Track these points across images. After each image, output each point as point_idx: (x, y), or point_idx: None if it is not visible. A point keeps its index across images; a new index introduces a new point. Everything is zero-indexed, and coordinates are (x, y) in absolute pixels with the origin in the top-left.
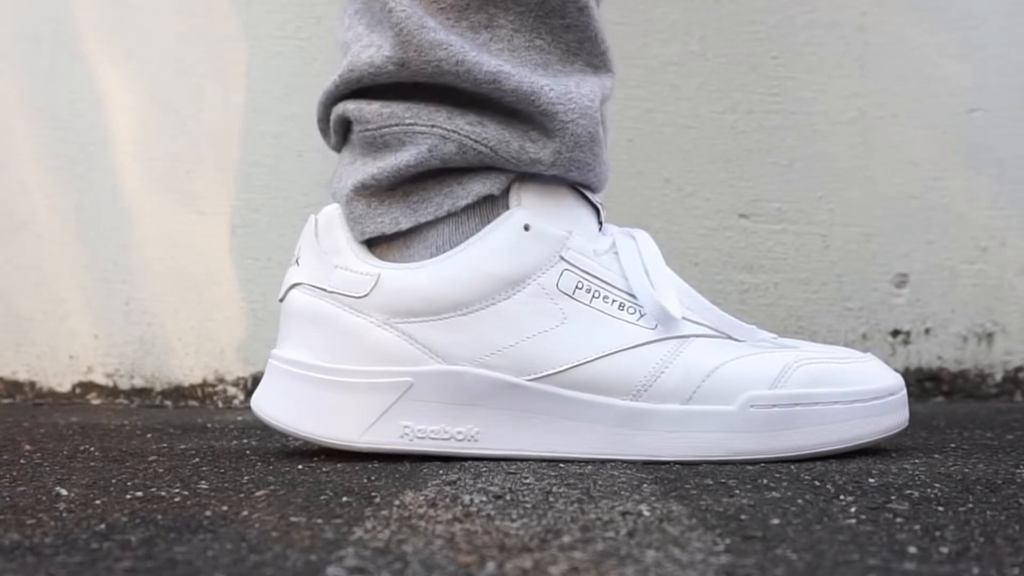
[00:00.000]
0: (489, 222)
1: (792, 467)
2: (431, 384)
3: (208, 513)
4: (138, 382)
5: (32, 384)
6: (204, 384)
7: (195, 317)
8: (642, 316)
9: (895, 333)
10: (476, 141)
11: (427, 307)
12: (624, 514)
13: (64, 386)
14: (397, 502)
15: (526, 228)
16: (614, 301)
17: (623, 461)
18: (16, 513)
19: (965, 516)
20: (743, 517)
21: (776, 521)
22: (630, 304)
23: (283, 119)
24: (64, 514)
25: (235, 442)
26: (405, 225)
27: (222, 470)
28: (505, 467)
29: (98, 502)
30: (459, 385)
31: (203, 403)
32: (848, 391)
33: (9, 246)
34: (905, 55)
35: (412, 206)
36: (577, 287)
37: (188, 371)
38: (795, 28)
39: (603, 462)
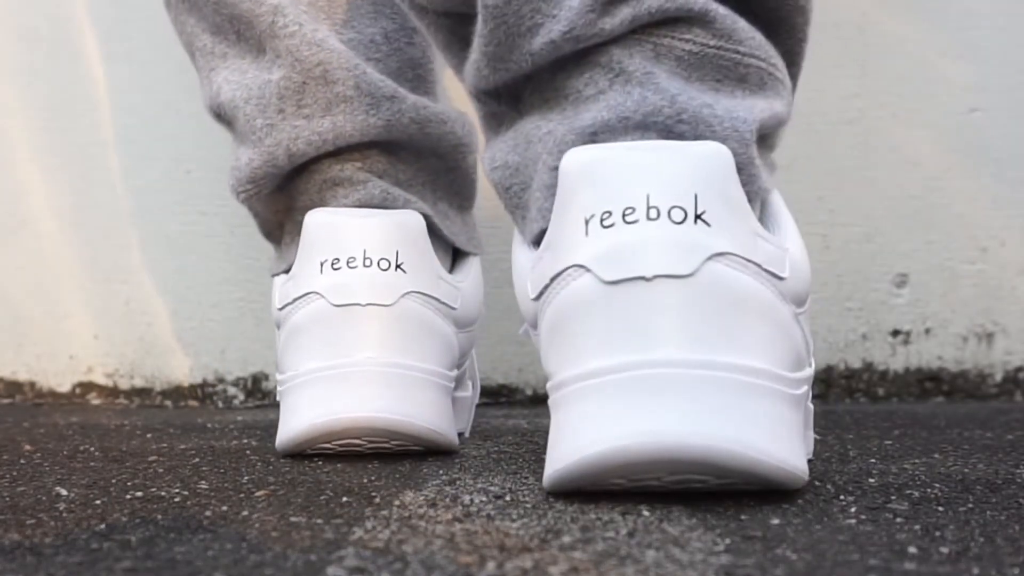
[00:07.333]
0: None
1: None
2: None
3: (208, 513)
4: (138, 382)
5: (32, 384)
6: (204, 384)
7: (195, 317)
8: None
9: (895, 333)
10: None
11: (804, 298)
12: (624, 514)
13: (64, 386)
14: (397, 502)
15: None
16: None
17: None
18: (16, 513)
19: (965, 516)
20: (743, 517)
21: (776, 521)
22: None
23: None
24: (64, 514)
25: (235, 442)
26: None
27: (222, 470)
28: (505, 467)
29: (98, 502)
30: None
31: (203, 403)
32: None
33: (9, 246)
34: (905, 55)
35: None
36: None
37: (188, 371)
38: None
39: None
